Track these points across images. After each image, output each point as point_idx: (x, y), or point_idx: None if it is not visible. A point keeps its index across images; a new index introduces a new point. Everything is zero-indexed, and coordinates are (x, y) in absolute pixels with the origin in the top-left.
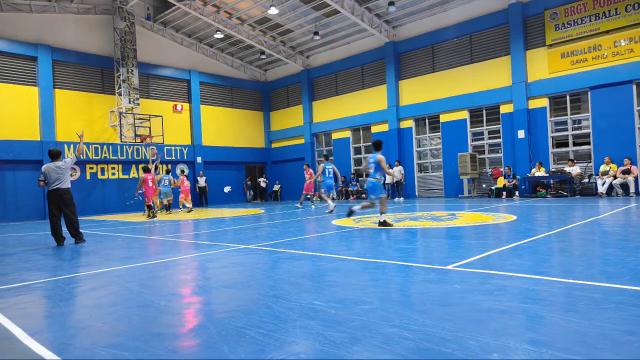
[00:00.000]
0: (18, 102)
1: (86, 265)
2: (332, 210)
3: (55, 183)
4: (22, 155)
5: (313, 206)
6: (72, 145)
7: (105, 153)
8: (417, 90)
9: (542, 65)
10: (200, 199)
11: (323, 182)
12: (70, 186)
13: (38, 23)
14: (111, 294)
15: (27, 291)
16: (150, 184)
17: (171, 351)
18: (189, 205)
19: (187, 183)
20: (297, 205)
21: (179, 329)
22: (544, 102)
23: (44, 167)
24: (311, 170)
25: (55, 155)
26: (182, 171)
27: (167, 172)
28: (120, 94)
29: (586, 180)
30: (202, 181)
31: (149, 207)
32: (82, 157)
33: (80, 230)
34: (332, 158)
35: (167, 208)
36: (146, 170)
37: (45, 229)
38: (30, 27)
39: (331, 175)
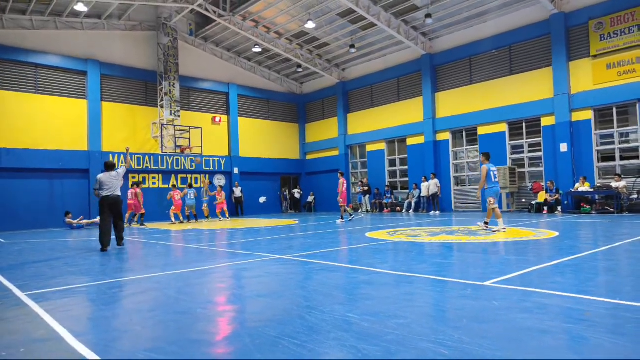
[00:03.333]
0: (68, 114)
1: (127, 271)
2: (502, 228)
3: (108, 190)
4: (70, 164)
5: (350, 218)
6: (116, 155)
7: (147, 163)
8: (454, 103)
9: (586, 76)
10: (236, 209)
11: (489, 188)
12: (120, 194)
13: (88, 40)
14: (150, 299)
15: (72, 294)
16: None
17: (207, 358)
18: (173, 219)
19: (177, 197)
20: (338, 221)
21: (215, 337)
22: (588, 115)
23: (99, 176)
24: (343, 180)
25: (110, 166)
26: (174, 186)
27: (190, 186)
28: (162, 106)
29: (635, 196)
30: (238, 191)
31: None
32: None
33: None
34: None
35: (189, 218)
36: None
37: (89, 236)
38: (82, 44)
39: (497, 180)
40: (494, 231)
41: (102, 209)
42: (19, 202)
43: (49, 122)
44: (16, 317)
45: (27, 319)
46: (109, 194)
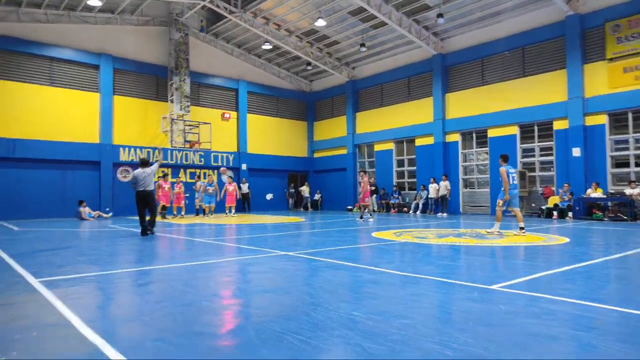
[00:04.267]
0: (81, 107)
1: (135, 262)
2: (521, 230)
3: (142, 185)
4: (82, 156)
5: (361, 219)
6: (127, 148)
7: (156, 157)
8: (465, 104)
9: (601, 80)
10: (243, 205)
11: (503, 191)
12: (153, 188)
13: (101, 34)
14: (158, 291)
15: (82, 282)
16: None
17: (212, 350)
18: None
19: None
20: (357, 219)
21: (220, 329)
22: (602, 119)
23: (134, 173)
24: (366, 178)
25: (145, 163)
26: (178, 178)
27: (199, 177)
28: (172, 101)
29: None
30: (245, 187)
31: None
32: (135, 160)
33: (141, 227)
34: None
35: (198, 212)
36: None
37: (96, 226)
38: (95, 38)
39: (515, 182)
40: (489, 233)
41: (137, 201)
42: (32, 192)
43: (62, 114)
44: (29, 302)
45: (40, 304)
46: (142, 189)
